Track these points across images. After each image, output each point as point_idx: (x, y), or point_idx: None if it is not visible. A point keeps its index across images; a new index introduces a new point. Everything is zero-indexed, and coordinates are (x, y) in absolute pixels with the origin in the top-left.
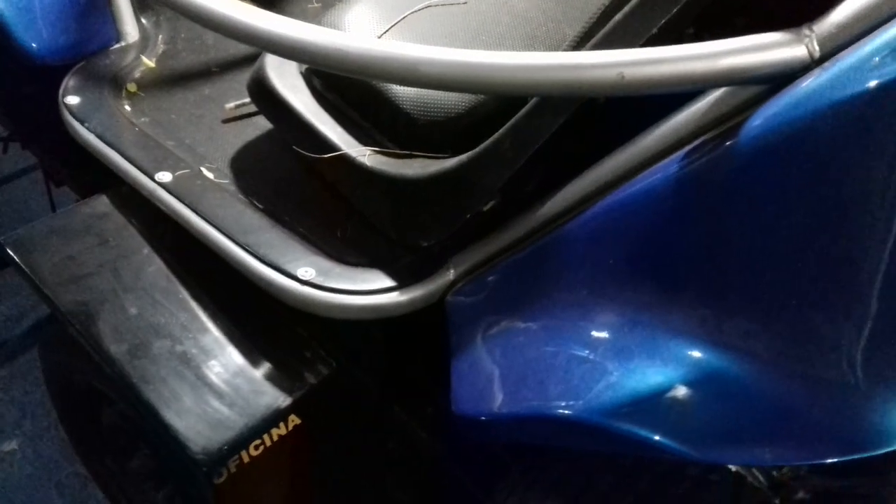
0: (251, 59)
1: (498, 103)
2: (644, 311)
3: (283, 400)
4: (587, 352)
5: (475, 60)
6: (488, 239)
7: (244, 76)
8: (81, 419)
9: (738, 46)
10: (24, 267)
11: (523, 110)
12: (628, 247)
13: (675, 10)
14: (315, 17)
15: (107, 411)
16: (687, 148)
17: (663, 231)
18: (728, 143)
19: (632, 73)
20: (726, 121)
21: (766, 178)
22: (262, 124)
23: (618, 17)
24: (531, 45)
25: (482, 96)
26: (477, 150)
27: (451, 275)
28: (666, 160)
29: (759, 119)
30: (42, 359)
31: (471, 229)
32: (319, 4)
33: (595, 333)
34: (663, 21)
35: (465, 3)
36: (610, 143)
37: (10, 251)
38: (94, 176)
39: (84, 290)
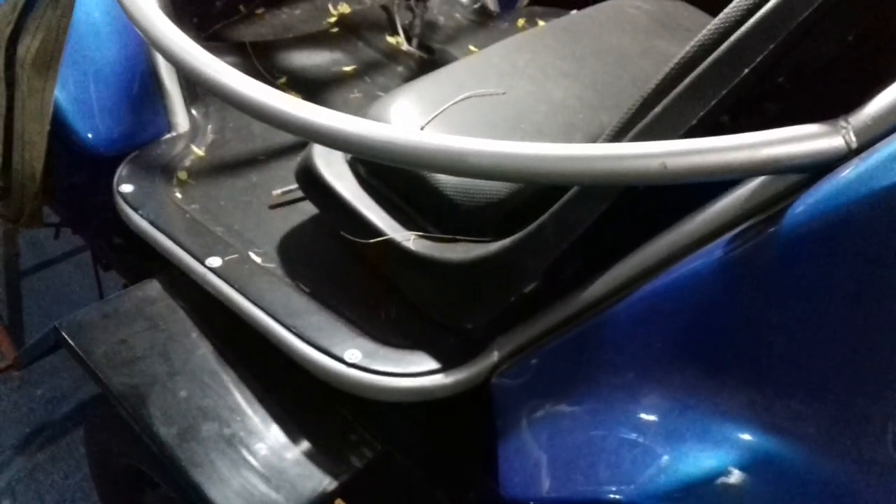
0: (296, 147)
1: (538, 189)
2: (693, 394)
3: (330, 484)
4: (637, 435)
5: (522, 152)
6: (531, 321)
7: (289, 164)
8: (124, 502)
9: (778, 137)
10: (77, 350)
11: (566, 197)
12: (675, 330)
13: (713, 102)
14: (357, 107)
15: (150, 495)
16: (730, 234)
17: (709, 315)
18: (771, 230)
19: (674, 163)
20: (766, 208)
21: (809, 264)
22: (307, 210)
23: (658, 108)
24: (569, 132)
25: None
26: (520, 234)
27: (495, 357)
28: (710, 245)
29: (801, 207)
30: (87, 440)
31: (514, 311)
32: (361, 94)
33: (644, 417)
34: (703, 112)
35: (504, 93)
36: (649, 227)
37: (64, 335)
38: (142, 261)
39: (135, 373)
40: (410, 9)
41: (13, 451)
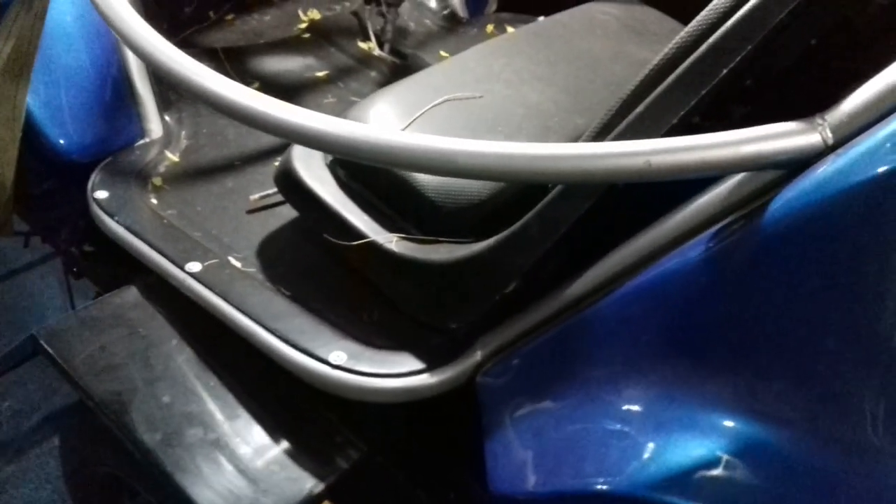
0: (271, 152)
1: (517, 190)
2: (679, 385)
3: (317, 485)
4: (624, 427)
5: (511, 152)
6: (515, 320)
7: (265, 168)
8: None
9: (757, 135)
10: (56, 358)
11: (550, 196)
12: (659, 324)
13: (693, 101)
14: (332, 113)
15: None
16: (712, 230)
17: (693, 309)
18: (752, 226)
19: (658, 160)
20: (746, 204)
21: (789, 257)
22: (284, 214)
23: (639, 108)
24: (546, 135)
25: (503, 184)
26: (505, 234)
27: (478, 356)
28: (692, 241)
29: (780, 202)
30: (62, 450)
31: (497, 310)
32: (335, 100)
33: (630, 409)
34: (683, 111)
35: (482, 97)
36: (629, 225)
37: (43, 343)
38: (115, 268)
39: (116, 380)
40: (382, 14)
41: None
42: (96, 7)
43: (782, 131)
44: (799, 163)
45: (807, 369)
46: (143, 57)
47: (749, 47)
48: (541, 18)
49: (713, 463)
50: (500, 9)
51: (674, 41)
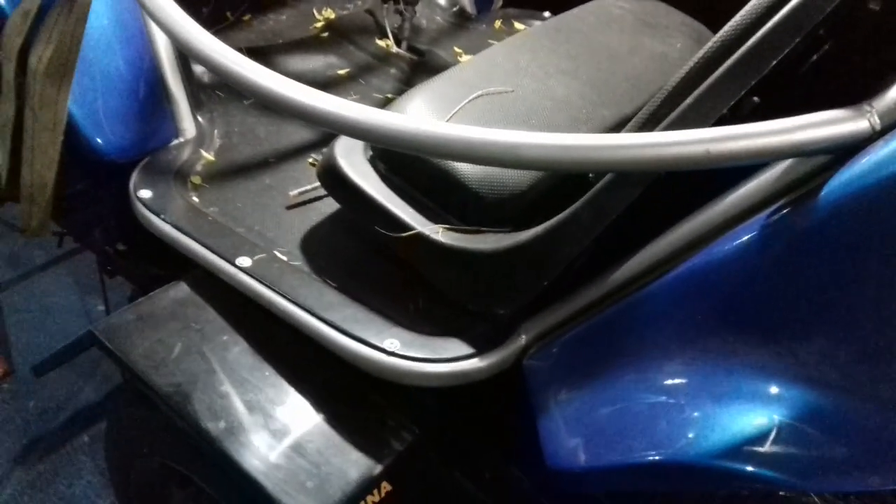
0: (302, 149)
1: (555, 180)
2: (737, 357)
3: (375, 467)
4: (684, 400)
5: (573, 143)
6: (560, 305)
7: (298, 165)
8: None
9: (808, 122)
10: (116, 352)
11: (601, 184)
12: (716, 303)
13: (742, 91)
14: None
15: (177, 495)
16: (764, 213)
17: (750, 287)
18: (804, 209)
19: (716, 148)
20: (795, 188)
21: (842, 236)
22: (323, 209)
23: (689, 99)
24: (575, 125)
25: (542, 174)
26: (554, 222)
27: (522, 340)
28: (746, 224)
29: (833, 186)
30: (108, 444)
31: (542, 296)
32: (358, 96)
33: (689, 382)
34: (733, 101)
35: (513, 91)
36: (668, 213)
37: (101, 337)
38: (150, 266)
39: (176, 372)
40: (400, 12)
41: (12, 464)
42: (153, 18)
43: (833, 118)
44: (848, 148)
45: (861, 342)
46: (200, 60)
47: (798, 39)
48: (546, 14)
49: (775, 428)
50: (505, 4)
51: (720, 33)
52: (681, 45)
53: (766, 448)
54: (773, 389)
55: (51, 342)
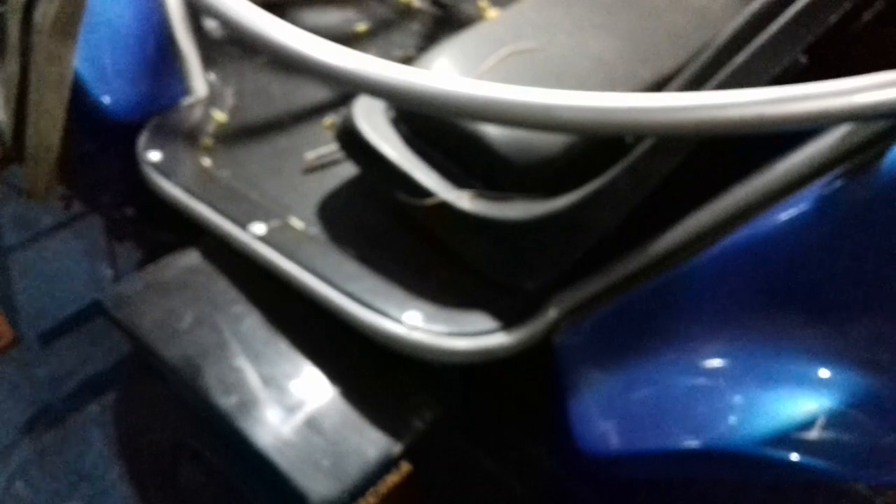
0: (318, 110)
1: (589, 144)
2: (786, 338)
3: (395, 446)
4: (729, 384)
5: (612, 104)
6: (592, 278)
7: (314, 127)
8: (157, 478)
9: (869, 83)
10: (125, 323)
11: (642, 149)
12: (766, 279)
13: (799, 48)
14: None
15: (186, 468)
16: (820, 181)
17: (802, 260)
18: (865, 177)
19: (770, 111)
20: (854, 155)
21: None
22: (341, 173)
23: (742, 57)
24: (612, 85)
25: (576, 138)
26: (590, 189)
27: (553, 315)
28: (799, 193)
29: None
30: (116, 417)
31: (573, 269)
32: (378, 53)
33: (734, 364)
34: (790, 59)
35: (545, 48)
36: (717, 179)
37: (109, 308)
38: (159, 230)
39: (186, 344)
40: None
41: (20, 433)
42: None
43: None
44: None
45: None
46: (205, 9)
47: None
48: None
49: (824, 416)
50: None
51: None
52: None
53: (815, 436)
54: (823, 373)
55: (59, 308)
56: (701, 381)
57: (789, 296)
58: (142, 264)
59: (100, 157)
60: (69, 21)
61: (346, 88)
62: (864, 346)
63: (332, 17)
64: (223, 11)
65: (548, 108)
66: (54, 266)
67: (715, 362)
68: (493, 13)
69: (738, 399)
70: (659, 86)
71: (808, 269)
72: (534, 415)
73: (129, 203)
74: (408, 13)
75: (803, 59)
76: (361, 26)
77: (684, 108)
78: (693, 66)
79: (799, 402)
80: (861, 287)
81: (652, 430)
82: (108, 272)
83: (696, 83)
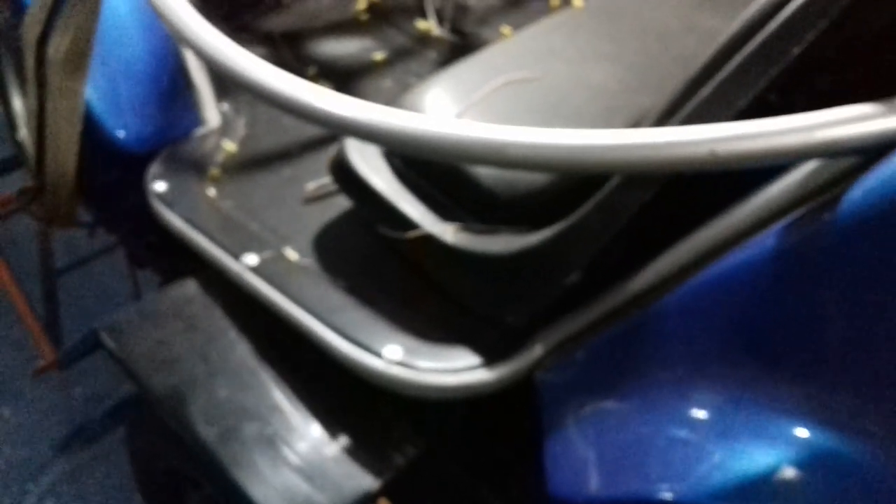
0: (328, 140)
1: (578, 177)
2: (747, 388)
3: (373, 483)
4: (689, 432)
5: (559, 142)
6: (575, 314)
7: (322, 157)
8: (167, 502)
9: (833, 119)
10: (116, 353)
11: (609, 186)
12: (727, 323)
13: (763, 83)
14: (390, 96)
15: (192, 496)
16: (784, 221)
17: (764, 306)
18: (828, 217)
19: (724, 148)
20: (820, 193)
21: (869, 251)
22: (341, 204)
23: (705, 91)
24: (610, 117)
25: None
26: (563, 225)
27: (537, 350)
28: (762, 234)
29: (860, 191)
30: (128, 442)
31: (556, 304)
32: (393, 82)
33: (695, 413)
34: (753, 94)
35: (542, 78)
36: (694, 214)
37: (104, 337)
38: (176, 259)
39: (174, 374)
40: None
41: (54, 451)
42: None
43: (860, 114)
44: (879, 148)
45: (889, 377)
46: (191, 46)
47: (825, 23)
48: None
49: (781, 473)
50: None
51: (742, 16)
52: None
53: (780, 495)
54: (796, 431)
55: None
56: (665, 428)
57: (749, 342)
58: None
59: (118, 186)
60: (80, 56)
61: (310, 123)
62: (824, 402)
63: (351, 45)
64: (200, 46)
65: (497, 146)
66: (98, 289)
67: (682, 408)
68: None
69: (712, 452)
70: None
71: (767, 315)
72: (519, 446)
73: (147, 231)
74: (427, 42)
75: (772, 95)
76: (379, 55)
77: (626, 147)
78: (669, 97)
79: (755, 456)
80: (823, 338)
81: (614, 477)
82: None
83: (666, 117)
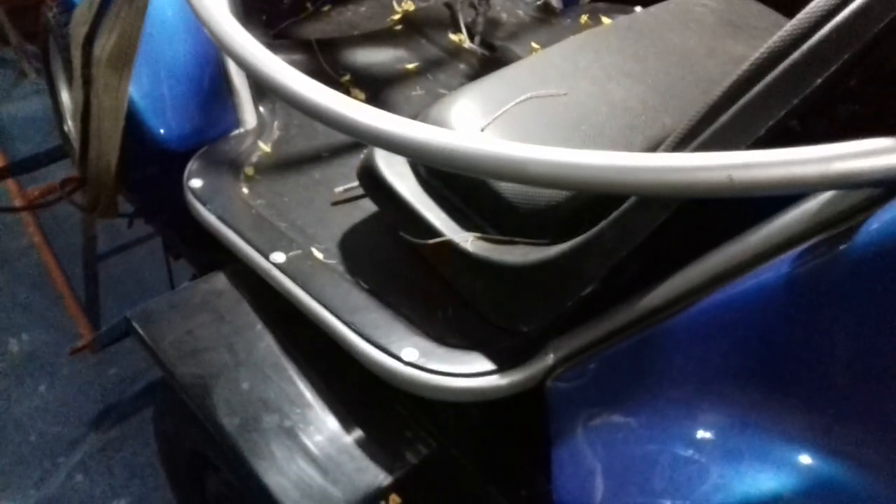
0: (358, 145)
1: (595, 194)
2: (754, 411)
3: (385, 478)
4: (694, 451)
5: (580, 161)
6: (588, 325)
7: (351, 161)
8: (189, 484)
9: (852, 151)
10: (146, 340)
11: (626, 204)
12: (737, 345)
13: (784, 111)
14: (419, 105)
15: (212, 478)
16: (799, 248)
17: (775, 331)
18: (843, 247)
19: (741, 175)
20: (836, 223)
21: (883, 284)
22: (368, 207)
23: (726, 116)
24: (630, 135)
25: None
26: (579, 240)
27: (550, 360)
28: (777, 259)
29: (877, 224)
30: (155, 423)
31: (570, 314)
32: (423, 92)
33: (702, 433)
34: (773, 122)
35: (566, 94)
36: (711, 235)
37: (134, 324)
38: (210, 252)
39: (200, 364)
40: (473, 6)
41: (87, 427)
42: (190, 5)
43: (880, 147)
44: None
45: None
46: (229, 54)
47: (847, 54)
48: (637, 9)
49: (783, 499)
50: None
51: (768, 43)
52: None
53: None
54: (800, 457)
55: None
56: (671, 445)
57: (757, 366)
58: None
59: (158, 181)
60: (124, 55)
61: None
62: (829, 430)
63: (385, 55)
64: (243, 59)
65: (516, 162)
66: (139, 275)
67: (696, 430)
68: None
69: (716, 473)
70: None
71: (777, 341)
72: (530, 451)
73: (184, 225)
74: (457, 54)
75: (794, 124)
76: (411, 65)
77: (647, 169)
78: (688, 122)
79: (758, 480)
80: (831, 367)
81: (619, 489)
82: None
83: (685, 141)
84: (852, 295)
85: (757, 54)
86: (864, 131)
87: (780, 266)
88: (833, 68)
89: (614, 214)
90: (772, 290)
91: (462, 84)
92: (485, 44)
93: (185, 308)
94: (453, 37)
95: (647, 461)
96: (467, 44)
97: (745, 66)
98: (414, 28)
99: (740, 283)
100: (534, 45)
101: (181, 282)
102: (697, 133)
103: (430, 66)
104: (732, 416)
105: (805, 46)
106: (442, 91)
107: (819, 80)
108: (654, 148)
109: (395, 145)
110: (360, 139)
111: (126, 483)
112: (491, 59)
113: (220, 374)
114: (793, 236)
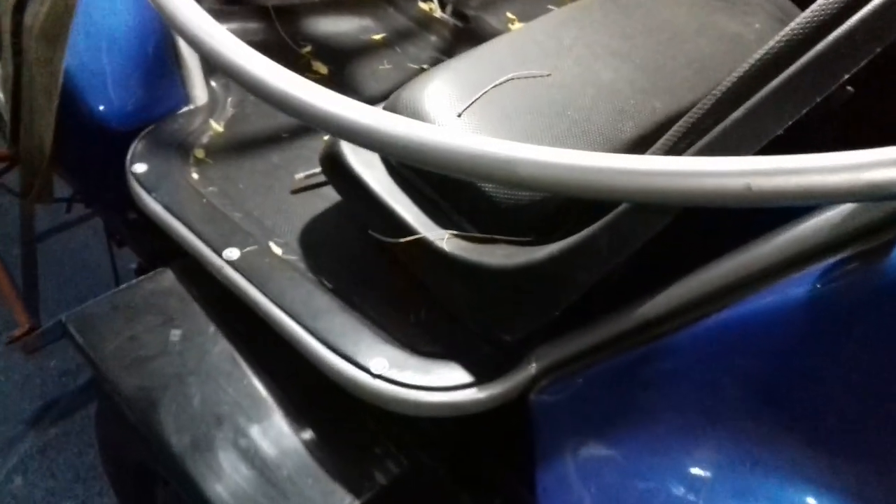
0: None
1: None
2: (766, 447)
3: (352, 502)
4: (695, 492)
5: (583, 164)
6: (577, 334)
7: (313, 143)
8: (135, 493)
9: (883, 158)
10: (85, 348)
11: (623, 207)
12: (750, 370)
13: (803, 110)
14: (387, 80)
15: (161, 491)
16: (823, 264)
17: (794, 356)
18: (874, 266)
19: (762, 183)
20: (859, 237)
21: None
22: (331, 196)
23: (737, 114)
24: (619, 119)
25: None
26: (569, 242)
27: (532, 369)
28: (797, 275)
29: None
30: (97, 430)
31: (555, 323)
32: (391, 66)
33: (705, 468)
34: (790, 122)
35: (549, 75)
36: (716, 242)
37: (72, 330)
38: (155, 241)
39: (146, 374)
40: None
41: (25, 425)
42: None
43: None
44: None
45: None
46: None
47: (879, 48)
48: None
49: None
50: None
51: (782, 33)
52: (759, 26)
53: None
54: (812, 500)
55: (79, 300)
56: (667, 482)
57: (771, 395)
58: (139, 272)
59: (98, 163)
60: (58, 24)
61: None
62: (851, 471)
63: (349, 24)
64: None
65: (504, 162)
66: (80, 257)
67: (687, 462)
68: (518, 28)
69: None
70: (673, 120)
71: (795, 367)
72: (506, 460)
73: (127, 210)
74: (428, 24)
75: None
76: (377, 36)
77: (653, 174)
78: (689, 116)
79: None
80: (856, 399)
81: None
82: (132, 265)
83: (685, 138)
84: (884, 319)
85: (771, 43)
86: (864, 128)
87: (798, 284)
88: (861, 63)
89: (610, 216)
90: (790, 310)
91: (432, 57)
92: (457, 13)
93: (129, 310)
94: (423, 5)
95: (642, 500)
96: (438, 13)
97: (756, 56)
98: None
99: (753, 300)
100: (509, 14)
101: (126, 270)
102: (699, 129)
103: (398, 38)
104: (742, 450)
105: (830, 38)
106: (411, 65)
107: (846, 76)
108: (644, 135)
109: (361, 138)
110: (323, 129)
111: (69, 486)
112: (464, 31)
113: (168, 386)
114: (807, 250)
